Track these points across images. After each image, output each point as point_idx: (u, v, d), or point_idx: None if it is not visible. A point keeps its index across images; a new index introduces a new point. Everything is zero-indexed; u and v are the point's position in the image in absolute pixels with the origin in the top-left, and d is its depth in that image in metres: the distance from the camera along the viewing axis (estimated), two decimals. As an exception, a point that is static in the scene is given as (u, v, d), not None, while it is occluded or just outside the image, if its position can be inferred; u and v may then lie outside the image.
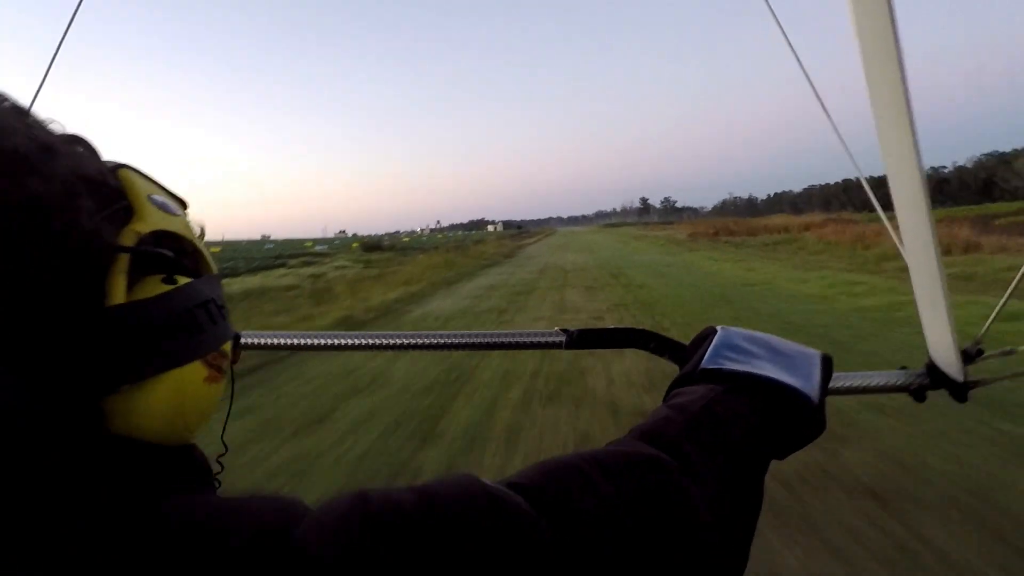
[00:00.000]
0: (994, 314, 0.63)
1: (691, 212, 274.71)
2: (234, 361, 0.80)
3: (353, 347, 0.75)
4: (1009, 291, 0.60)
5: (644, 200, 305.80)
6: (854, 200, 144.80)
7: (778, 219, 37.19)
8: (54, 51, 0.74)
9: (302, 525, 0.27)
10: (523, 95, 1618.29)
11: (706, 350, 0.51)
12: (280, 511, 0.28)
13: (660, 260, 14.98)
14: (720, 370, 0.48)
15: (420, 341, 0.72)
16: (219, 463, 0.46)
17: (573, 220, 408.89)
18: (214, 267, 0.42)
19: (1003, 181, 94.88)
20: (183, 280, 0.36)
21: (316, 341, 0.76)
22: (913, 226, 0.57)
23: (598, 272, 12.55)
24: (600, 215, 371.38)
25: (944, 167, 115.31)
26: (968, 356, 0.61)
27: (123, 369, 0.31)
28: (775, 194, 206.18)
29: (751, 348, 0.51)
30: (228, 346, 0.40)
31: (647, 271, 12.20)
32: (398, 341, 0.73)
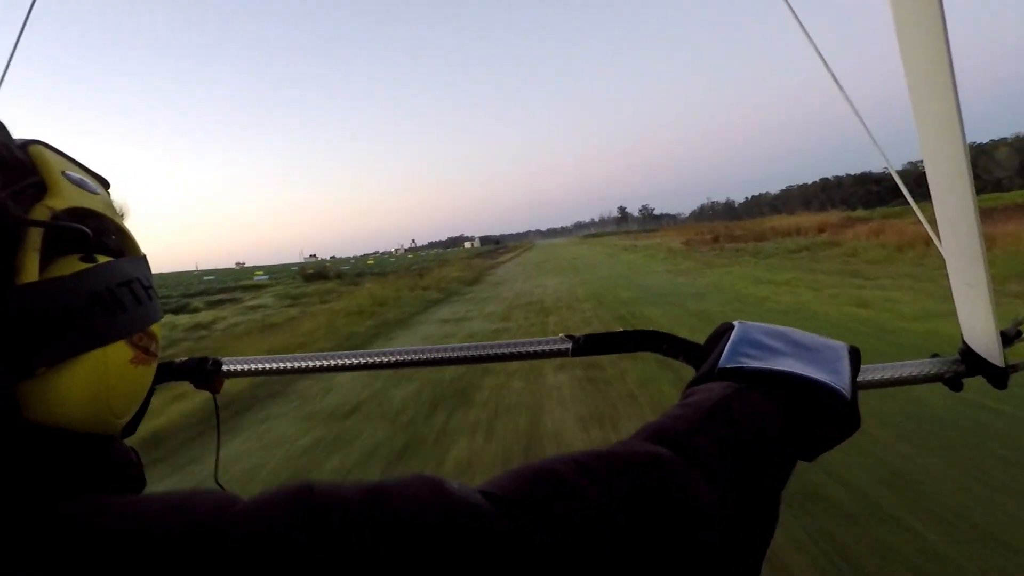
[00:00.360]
0: None
1: (669, 219, 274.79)
2: (216, 390, 0.74)
3: (350, 367, 0.73)
4: None
5: (622, 209, 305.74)
6: (833, 198, 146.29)
7: (780, 221, 33.41)
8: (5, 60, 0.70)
9: (236, 514, 0.25)
10: (498, 112, 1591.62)
11: (723, 348, 0.48)
12: (214, 506, 0.26)
13: (679, 285, 10.22)
14: (740, 368, 0.45)
15: (418, 357, 0.71)
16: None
17: (552, 232, 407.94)
18: (139, 249, 0.40)
19: (985, 172, 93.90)
20: (103, 259, 0.34)
21: (306, 364, 0.74)
22: (955, 208, 0.55)
23: (597, 314, 7.69)
24: (579, 226, 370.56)
25: (920, 161, 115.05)
26: (1007, 339, 0.57)
27: (37, 351, 0.29)
28: (752, 196, 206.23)
29: (772, 343, 0.48)
30: (158, 328, 0.39)
31: (683, 316, 6.75)
32: (396, 358, 0.71)
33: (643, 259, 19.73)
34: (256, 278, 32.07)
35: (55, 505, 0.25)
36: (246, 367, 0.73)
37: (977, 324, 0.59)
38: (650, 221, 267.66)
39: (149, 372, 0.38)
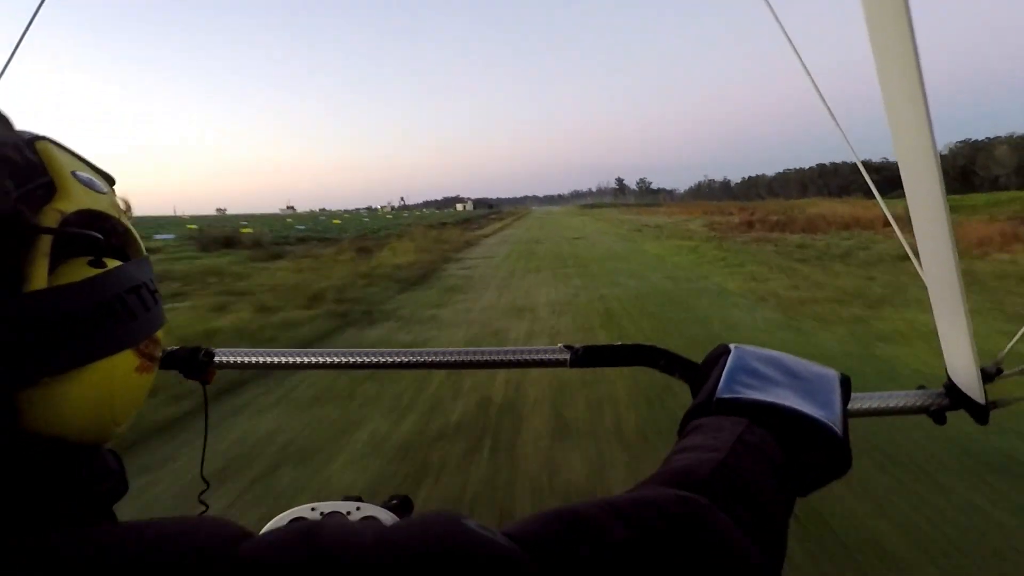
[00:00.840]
0: (1018, 335, 0.61)
1: (666, 194, 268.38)
2: (207, 381, 0.72)
3: (347, 365, 0.72)
4: None
5: (620, 181, 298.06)
6: (830, 185, 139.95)
7: (823, 207, 27.45)
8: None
9: (237, 558, 0.24)
10: (499, 74, 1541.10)
11: (720, 373, 0.49)
12: (213, 536, 0.25)
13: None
14: (738, 400, 0.46)
15: (415, 359, 0.71)
16: (202, 502, 0.43)
17: (549, 199, 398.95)
18: (143, 249, 0.40)
19: (983, 170, 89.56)
20: (112, 263, 0.34)
21: (302, 359, 0.73)
22: (932, 239, 0.56)
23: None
24: (576, 195, 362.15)
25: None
26: (987, 376, 0.59)
27: (44, 360, 0.29)
28: (749, 177, 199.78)
29: (767, 371, 0.49)
30: (161, 333, 0.39)
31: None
32: (393, 359, 0.71)
33: (673, 252, 12.84)
34: (156, 236, 25.41)
35: (45, 536, 0.24)
36: (239, 359, 0.73)
37: (959, 360, 0.60)
38: (647, 195, 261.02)
39: (151, 378, 0.38)
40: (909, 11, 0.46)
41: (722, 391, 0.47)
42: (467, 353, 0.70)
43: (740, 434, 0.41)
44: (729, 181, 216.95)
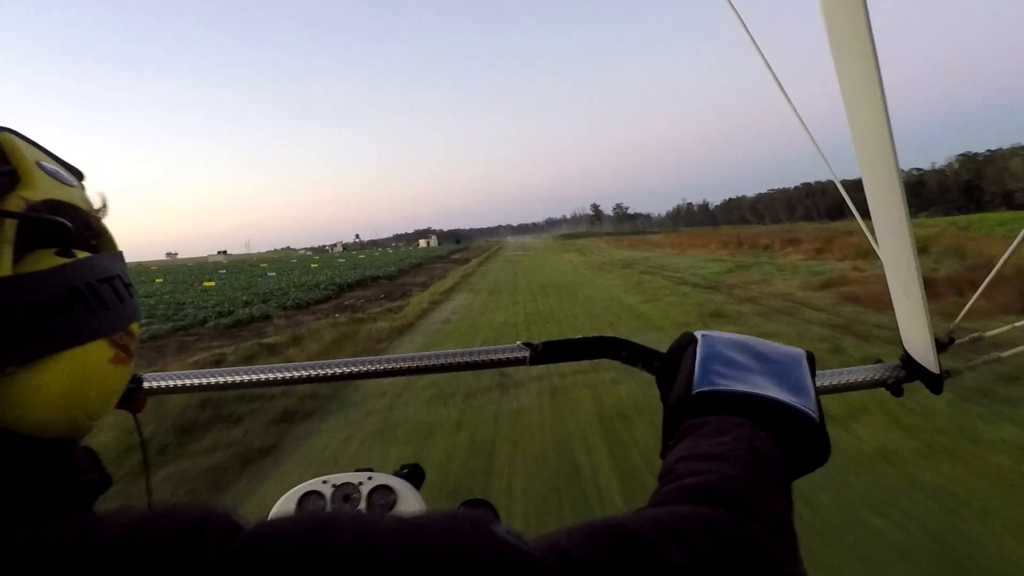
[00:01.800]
0: (967, 306, 0.63)
1: (644, 219, 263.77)
2: (138, 409, 0.67)
3: (284, 381, 0.69)
4: (984, 285, 0.62)
5: (595, 207, 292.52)
6: (818, 205, 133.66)
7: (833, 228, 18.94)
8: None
9: (234, 547, 0.22)
10: (470, 102, 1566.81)
11: (691, 364, 0.49)
12: (193, 523, 0.23)
13: None
14: (718, 392, 0.46)
15: (368, 368, 0.69)
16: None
17: (524, 228, 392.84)
18: (116, 244, 0.39)
19: (993, 185, 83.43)
20: (81, 254, 0.33)
21: (238, 378, 0.69)
22: (890, 223, 0.58)
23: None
24: (551, 223, 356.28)
25: (918, 169, 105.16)
26: (941, 345, 0.61)
27: (10, 348, 0.28)
28: (730, 199, 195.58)
29: (739, 358, 0.49)
30: (136, 327, 0.38)
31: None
32: (344, 370, 0.69)
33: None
34: None
35: (5, 534, 0.23)
36: (171, 383, 0.70)
37: (914, 332, 0.62)
38: (624, 220, 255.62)
39: (127, 372, 0.37)
40: (868, 20, 0.47)
41: (700, 383, 0.46)
42: (424, 358, 0.69)
43: (750, 440, 0.40)
44: (708, 204, 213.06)
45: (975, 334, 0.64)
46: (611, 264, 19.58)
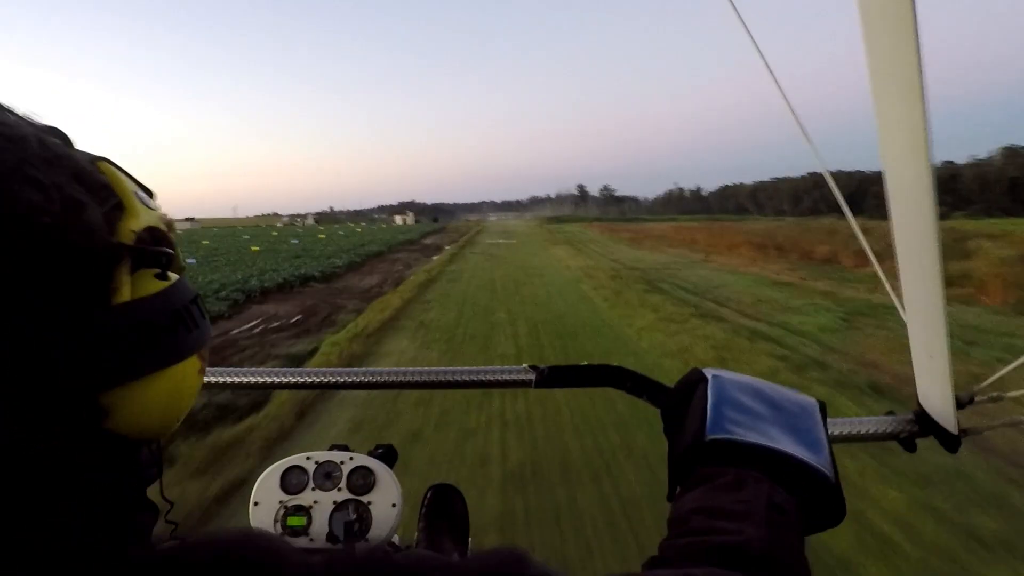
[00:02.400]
0: (1005, 371, 0.58)
1: (632, 203, 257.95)
2: None
3: (303, 385, 0.73)
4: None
5: (581, 188, 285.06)
6: (828, 197, 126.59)
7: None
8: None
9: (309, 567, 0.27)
10: (458, 73, 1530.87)
11: (703, 406, 0.47)
12: (266, 550, 0.28)
13: None
14: (733, 441, 0.44)
15: (374, 379, 0.71)
16: (169, 522, 0.46)
17: (507, 206, 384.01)
18: (184, 262, 0.42)
19: None
20: (174, 276, 0.37)
21: (264, 379, 0.73)
22: (918, 260, 0.52)
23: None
24: (535, 201, 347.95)
25: (949, 162, 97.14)
26: (960, 403, 0.58)
27: (129, 365, 0.31)
28: (725, 186, 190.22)
29: (751, 404, 0.48)
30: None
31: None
32: (356, 379, 0.72)
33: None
34: None
35: (123, 551, 0.28)
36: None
37: (933, 387, 0.59)
38: (611, 204, 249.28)
39: (201, 380, 0.41)
40: None
41: (713, 428, 0.45)
42: (430, 373, 0.70)
43: (769, 498, 0.39)
44: (701, 190, 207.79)
45: (994, 394, 0.60)
46: (630, 282, 12.34)
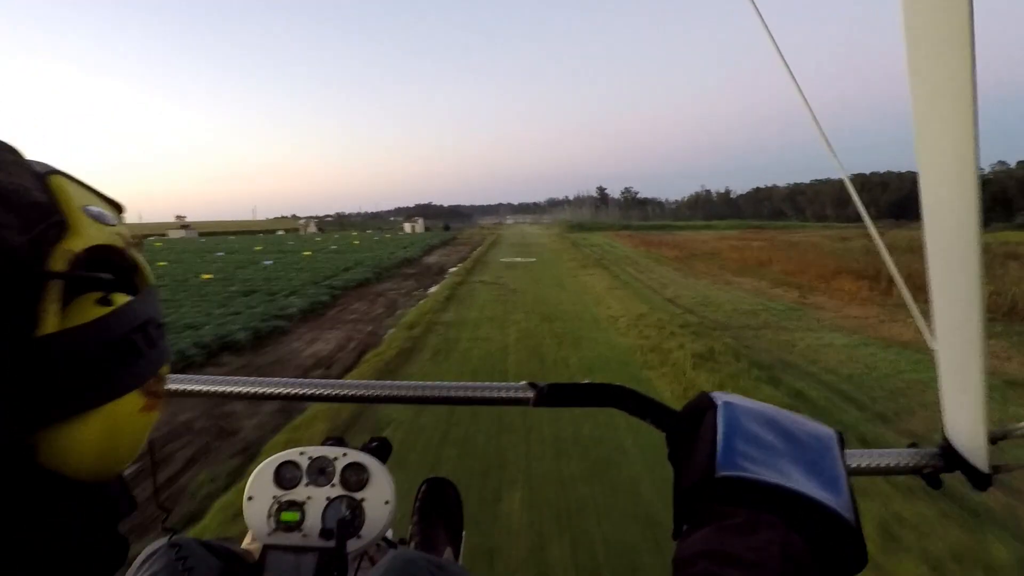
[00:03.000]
0: None
1: (655, 205, 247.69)
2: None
3: (297, 397, 0.71)
4: None
5: (601, 190, 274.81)
6: (878, 201, 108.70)
7: None
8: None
9: None
10: (476, 76, 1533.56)
11: (712, 437, 0.45)
12: None
13: None
14: (745, 479, 0.42)
15: (366, 392, 0.70)
16: (167, 529, 0.44)
17: (524, 208, 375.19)
18: (151, 277, 0.39)
19: None
20: (120, 299, 0.34)
21: (256, 390, 0.71)
22: (955, 283, 0.48)
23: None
24: (552, 203, 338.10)
25: (1003, 162, 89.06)
26: (993, 439, 0.55)
27: (53, 405, 0.29)
28: (758, 188, 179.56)
29: (765, 436, 0.45)
30: (166, 369, 0.38)
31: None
32: (350, 392, 0.70)
33: None
34: None
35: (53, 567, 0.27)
36: (175, 387, 0.73)
37: (963, 422, 0.56)
38: (633, 207, 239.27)
39: (155, 416, 0.37)
40: None
41: (724, 463, 0.43)
42: (426, 388, 0.69)
43: (783, 546, 0.37)
44: (730, 192, 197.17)
45: None
46: (723, 361, 4.45)
